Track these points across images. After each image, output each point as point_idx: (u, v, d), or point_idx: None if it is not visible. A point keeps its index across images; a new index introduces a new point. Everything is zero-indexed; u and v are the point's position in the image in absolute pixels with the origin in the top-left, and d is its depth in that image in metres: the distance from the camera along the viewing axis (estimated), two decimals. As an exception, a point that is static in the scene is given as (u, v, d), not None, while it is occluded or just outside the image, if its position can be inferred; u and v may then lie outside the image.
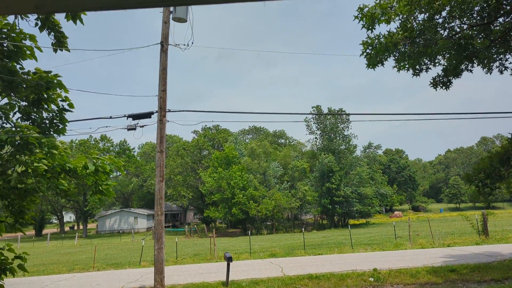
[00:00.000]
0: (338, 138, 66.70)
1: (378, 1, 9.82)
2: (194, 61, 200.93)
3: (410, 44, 10.12)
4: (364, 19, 9.87)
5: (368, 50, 10.42)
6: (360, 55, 10.55)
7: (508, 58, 11.08)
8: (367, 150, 76.53)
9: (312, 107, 68.90)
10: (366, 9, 9.84)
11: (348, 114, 64.26)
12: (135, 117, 12.25)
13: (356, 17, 9.92)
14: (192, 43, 12.04)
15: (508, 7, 9.54)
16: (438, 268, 14.57)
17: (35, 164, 6.49)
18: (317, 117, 66.74)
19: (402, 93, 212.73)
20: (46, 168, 6.73)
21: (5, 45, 6.71)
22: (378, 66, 10.75)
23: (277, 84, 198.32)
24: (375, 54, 10.35)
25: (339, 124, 66.97)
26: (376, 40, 10.23)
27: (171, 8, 11.65)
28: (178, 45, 11.91)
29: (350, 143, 67.03)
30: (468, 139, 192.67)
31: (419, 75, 10.94)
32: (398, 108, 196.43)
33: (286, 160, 70.46)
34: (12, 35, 6.64)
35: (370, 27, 10.00)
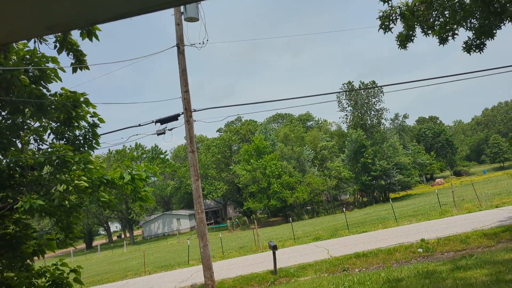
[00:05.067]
0: (370, 112, 65.44)
1: None
2: (217, 59, 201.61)
3: (428, 8, 9.75)
4: None
5: (387, 23, 10.12)
6: (379, 30, 10.28)
7: None
8: (396, 121, 74.93)
9: (343, 84, 67.82)
10: None
11: (374, 87, 62.72)
12: (163, 121, 12.44)
13: None
14: (207, 40, 12.06)
15: None
16: (489, 231, 14.15)
17: (76, 181, 6.72)
18: (348, 93, 65.50)
19: (432, 58, 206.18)
20: (87, 185, 6.96)
21: (30, 70, 6.94)
22: (409, 43, 10.48)
23: (302, 69, 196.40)
24: (403, 31, 10.08)
25: (370, 98, 65.56)
26: (392, 10, 9.92)
27: (182, 9, 11.70)
28: (194, 44, 11.97)
29: (382, 116, 65.72)
30: (504, 95, 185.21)
31: (446, 42, 10.53)
32: (430, 74, 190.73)
33: (315, 143, 69.93)
34: (35, 60, 6.86)
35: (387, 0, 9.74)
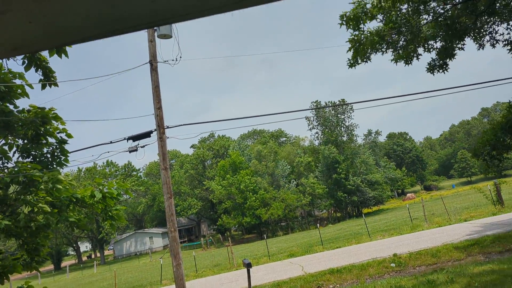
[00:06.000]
0: (339, 129, 66.59)
1: (357, 4, 9.83)
2: (192, 75, 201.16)
3: (397, 34, 10.14)
4: (349, 23, 9.93)
5: (356, 46, 10.47)
6: (348, 51, 10.61)
7: (498, 30, 11.04)
8: (368, 138, 76.52)
9: (311, 102, 68.93)
10: (348, 13, 9.91)
11: (343, 104, 63.81)
12: (135, 138, 12.25)
13: (340, 24, 10.00)
14: (181, 57, 12.08)
15: None
16: (458, 244, 14.48)
17: (40, 204, 6.50)
18: (316, 112, 66.70)
19: (401, 76, 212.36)
20: (50, 210, 6.73)
21: (-4, 87, 6.74)
22: (365, 62, 10.79)
23: (277, 85, 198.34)
24: (363, 50, 10.40)
25: (340, 115, 66.87)
26: (363, 35, 10.28)
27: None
28: (167, 61, 11.94)
29: (353, 133, 66.94)
30: (470, 112, 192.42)
31: (411, 63, 10.93)
32: (399, 91, 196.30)
33: (290, 158, 70.35)
34: (1, 76, 6.68)
35: (356, 28, 10.07)
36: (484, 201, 25.53)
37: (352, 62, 10.77)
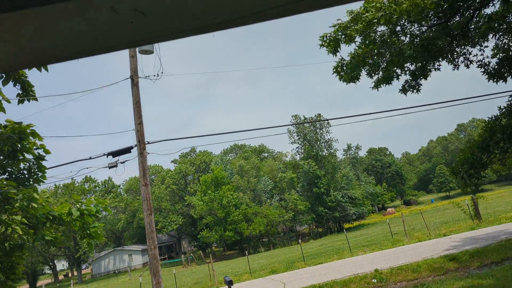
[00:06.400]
0: (319, 143, 67.09)
1: (337, 26, 10.11)
2: (174, 90, 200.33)
3: (377, 55, 10.42)
4: (329, 45, 10.18)
5: (339, 69, 10.77)
6: (332, 73, 10.93)
7: (472, 51, 11.46)
8: (348, 153, 77.20)
9: (292, 116, 69.31)
10: (329, 34, 10.18)
11: (320, 120, 64.67)
12: (115, 154, 12.08)
13: (321, 45, 10.26)
14: (162, 72, 12.06)
15: (460, 4, 9.92)
16: (438, 259, 14.63)
17: (13, 225, 6.31)
18: (296, 126, 67.15)
19: (381, 92, 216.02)
20: (22, 232, 6.54)
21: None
22: (355, 82, 11.05)
23: (259, 100, 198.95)
24: (349, 72, 10.66)
25: (318, 130, 67.47)
26: (344, 61, 10.60)
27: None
28: (148, 76, 11.90)
29: (331, 147, 67.52)
30: (446, 127, 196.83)
31: (391, 83, 11.22)
32: (379, 107, 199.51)
33: (273, 173, 70.37)
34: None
35: (334, 51, 10.34)
36: (462, 216, 25.96)
37: (343, 80, 11.06)
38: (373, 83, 11.22)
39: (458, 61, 11.58)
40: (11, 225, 6.25)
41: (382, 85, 11.15)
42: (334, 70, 10.81)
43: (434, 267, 13.84)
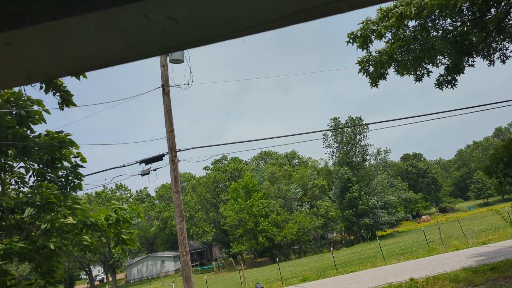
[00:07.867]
0: (355, 149, 65.73)
1: (365, 24, 9.95)
2: (207, 98, 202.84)
3: (406, 52, 10.18)
4: (356, 41, 10.02)
5: (366, 67, 10.49)
6: (358, 72, 10.65)
7: (509, 47, 11.04)
8: (378, 158, 75.34)
9: (330, 119, 67.91)
10: (356, 32, 10.04)
11: (360, 125, 63.57)
12: (147, 161, 12.35)
13: (348, 41, 10.09)
14: (192, 81, 12.25)
15: None
16: (477, 269, 14.08)
17: (61, 219, 6.55)
18: (335, 130, 65.56)
19: (416, 95, 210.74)
20: (74, 222, 6.79)
21: (14, 112, 6.90)
22: (380, 80, 10.79)
23: (291, 107, 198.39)
24: (374, 71, 10.41)
25: (356, 135, 65.97)
26: (370, 56, 10.33)
27: (168, 51, 11.91)
28: (179, 85, 12.13)
29: (366, 153, 66.06)
30: (485, 131, 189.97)
31: (421, 80, 10.92)
32: (414, 112, 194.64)
33: (303, 181, 69.76)
34: (20, 102, 6.85)
35: (365, 47, 10.14)
36: (502, 224, 24.90)
37: (371, 81, 10.79)
38: (396, 69, 10.81)
39: (493, 57, 11.17)
40: (56, 222, 6.46)
41: (407, 73, 10.75)
42: (359, 64, 10.49)
43: (473, 276, 13.33)
